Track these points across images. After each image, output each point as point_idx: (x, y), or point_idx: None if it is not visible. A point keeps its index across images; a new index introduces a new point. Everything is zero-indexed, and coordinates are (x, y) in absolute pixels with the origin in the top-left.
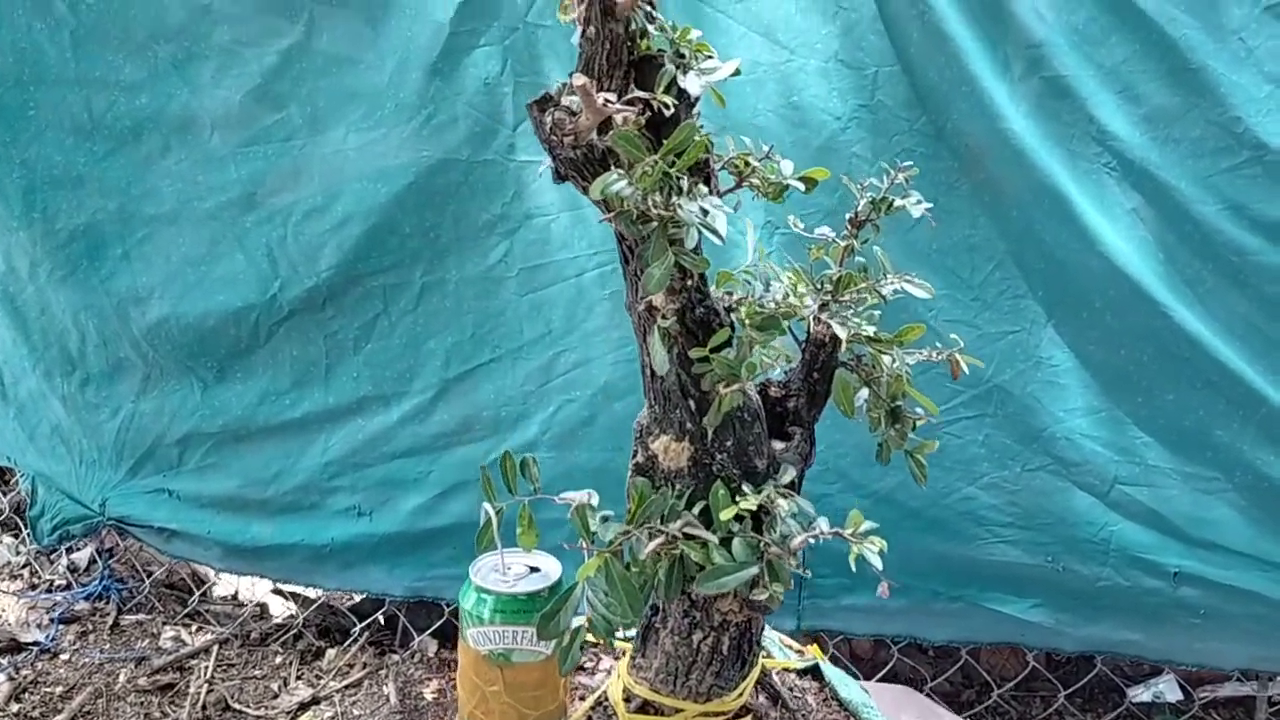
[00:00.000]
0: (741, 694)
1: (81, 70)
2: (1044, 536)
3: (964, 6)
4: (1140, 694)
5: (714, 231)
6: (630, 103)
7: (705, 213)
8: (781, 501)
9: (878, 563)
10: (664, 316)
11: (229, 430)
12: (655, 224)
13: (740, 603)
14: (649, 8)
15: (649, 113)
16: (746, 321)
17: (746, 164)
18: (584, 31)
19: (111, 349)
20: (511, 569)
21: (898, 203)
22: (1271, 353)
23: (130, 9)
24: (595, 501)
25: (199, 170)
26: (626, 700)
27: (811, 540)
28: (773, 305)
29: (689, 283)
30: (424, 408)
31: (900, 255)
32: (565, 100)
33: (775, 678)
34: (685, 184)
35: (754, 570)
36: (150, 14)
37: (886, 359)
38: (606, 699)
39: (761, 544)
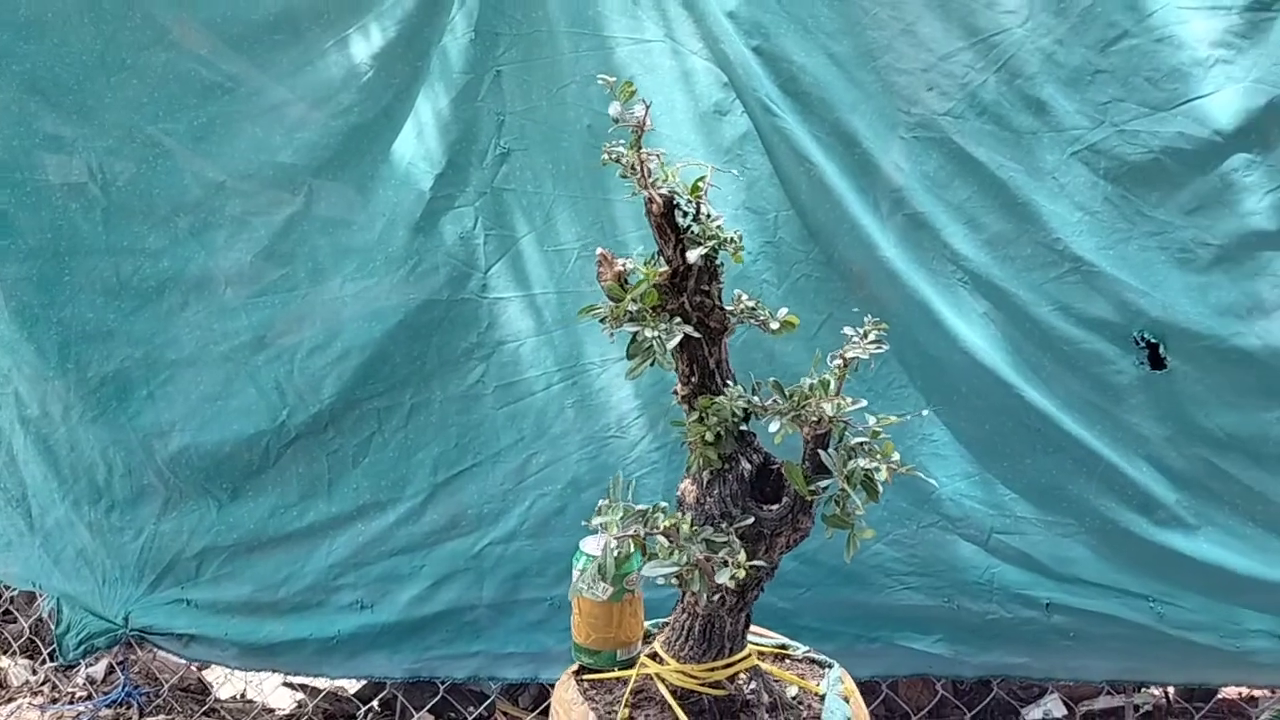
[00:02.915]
0: (713, 670)
1: (111, 241)
2: (940, 581)
3: (840, 163)
4: (1032, 712)
5: (664, 348)
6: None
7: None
8: (685, 527)
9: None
10: (680, 398)
11: (242, 542)
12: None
13: (695, 597)
14: (694, 208)
15: (679, 266)
16: (703, 409)
17: (746, 309)
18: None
19: (136, 477)
20: (605, 544)
21: (858, 354)
22: (1103, 420)
23: (154, 189)
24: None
25: (214, 320)
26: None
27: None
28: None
29: (693, 379)
30: (416, 510)
31: (807, 356)
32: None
33: (774, 683)
34: (648, 317)
35: (671, 569)
36: (172, 192)
37: (862, 462)
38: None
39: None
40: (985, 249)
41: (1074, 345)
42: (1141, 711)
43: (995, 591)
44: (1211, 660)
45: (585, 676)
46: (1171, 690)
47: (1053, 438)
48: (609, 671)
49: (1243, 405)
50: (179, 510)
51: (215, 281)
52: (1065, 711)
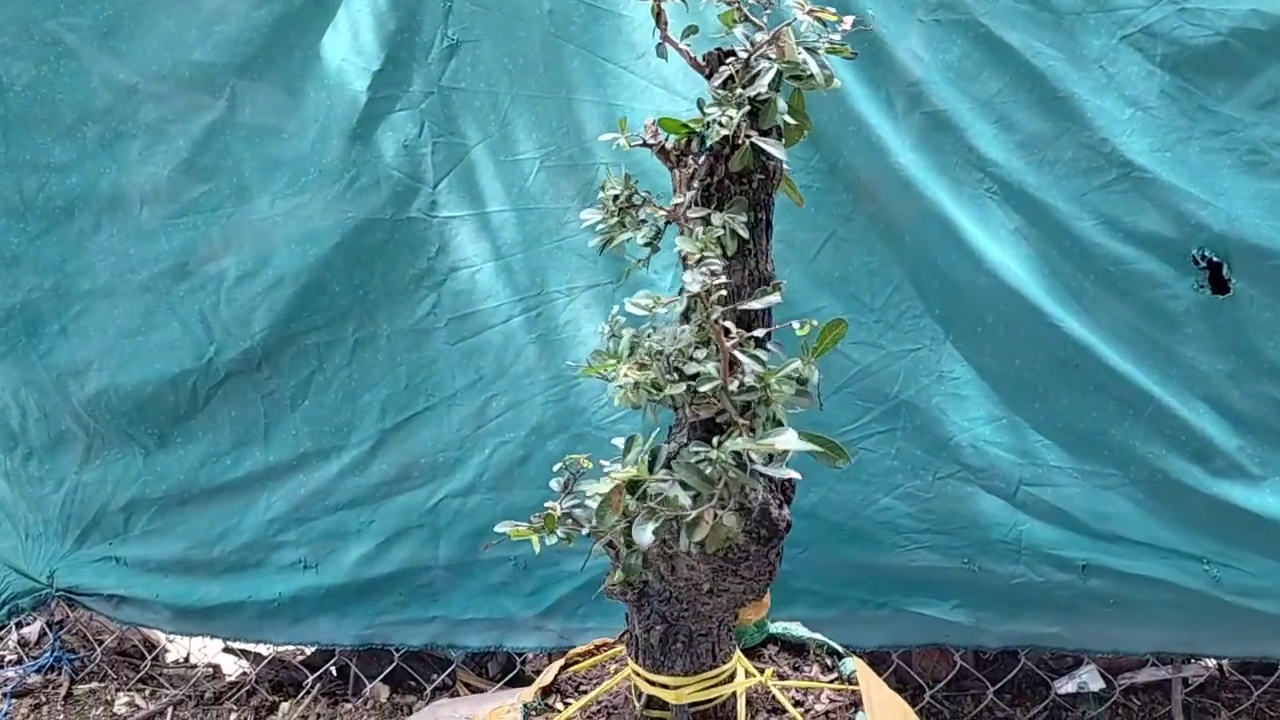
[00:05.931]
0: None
1: (11, 155)
2: (958, 540)
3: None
4: (1065, 685)
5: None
6: None
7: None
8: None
9: None
10: None
11: (172, 495)
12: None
13: None
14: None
15: None
16: None
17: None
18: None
19: (53, 422)
20: None
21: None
22: (1154, 354)
23: (57, 94)
24: None
25: (131, 244)
26: None
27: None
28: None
29: None
30: (363, 459)
31: (806, 283)
32: None
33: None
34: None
35: None
36: (77, 97)
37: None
38: None
39: None
40: (1018, 153)
41: (1121, 266)
42: (1191, 686)
43: (1023, 552)
44: (1274, 630)
45: None
46: (1226, 663)
47: (1093, 374)
48: None
49: None
50: (102, 459)
51: (130, 200)
52: (1103, 684)
